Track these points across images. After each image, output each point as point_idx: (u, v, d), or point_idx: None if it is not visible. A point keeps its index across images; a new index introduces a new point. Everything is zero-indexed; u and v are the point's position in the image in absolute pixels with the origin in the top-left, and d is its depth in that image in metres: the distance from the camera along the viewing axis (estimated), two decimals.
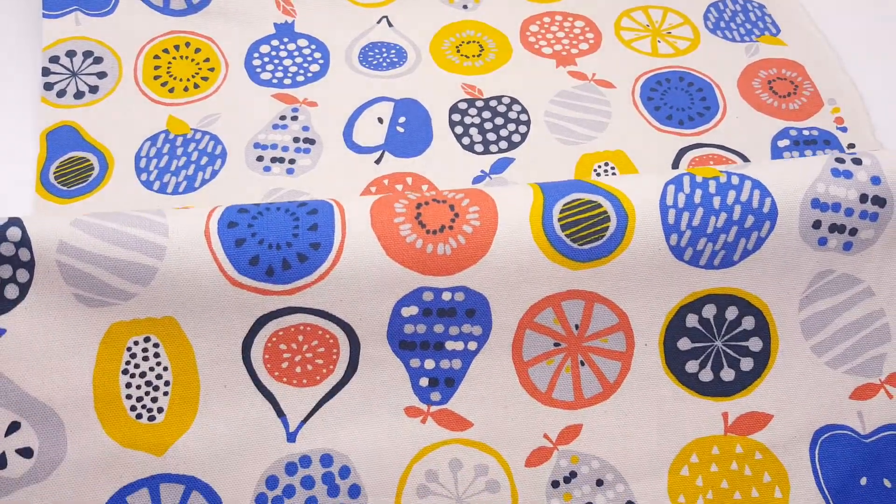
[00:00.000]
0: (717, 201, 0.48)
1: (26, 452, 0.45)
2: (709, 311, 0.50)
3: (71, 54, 0.66)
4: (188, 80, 0.66)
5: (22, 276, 0.44)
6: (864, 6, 0.76)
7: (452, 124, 0.65)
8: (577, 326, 0.49)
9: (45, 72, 0.65)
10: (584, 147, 0.64)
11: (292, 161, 0.62)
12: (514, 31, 0.72)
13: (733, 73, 0.69)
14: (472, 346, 0.49)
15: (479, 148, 0.64)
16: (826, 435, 0.50)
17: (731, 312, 0.50)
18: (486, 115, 0.66)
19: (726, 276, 0.49)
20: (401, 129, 0.65)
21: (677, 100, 0.67)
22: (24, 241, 0.44)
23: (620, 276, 0.48)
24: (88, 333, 0.46)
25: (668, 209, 0.48)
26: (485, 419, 0.50)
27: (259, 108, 0.65)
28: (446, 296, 0.48)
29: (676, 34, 0.72)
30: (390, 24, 0.72)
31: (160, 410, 0.47)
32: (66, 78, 0.65)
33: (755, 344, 0.50)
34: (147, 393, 0.47)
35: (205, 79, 0.66)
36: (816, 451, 0.49)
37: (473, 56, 0.70)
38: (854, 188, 0.48)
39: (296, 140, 0.64)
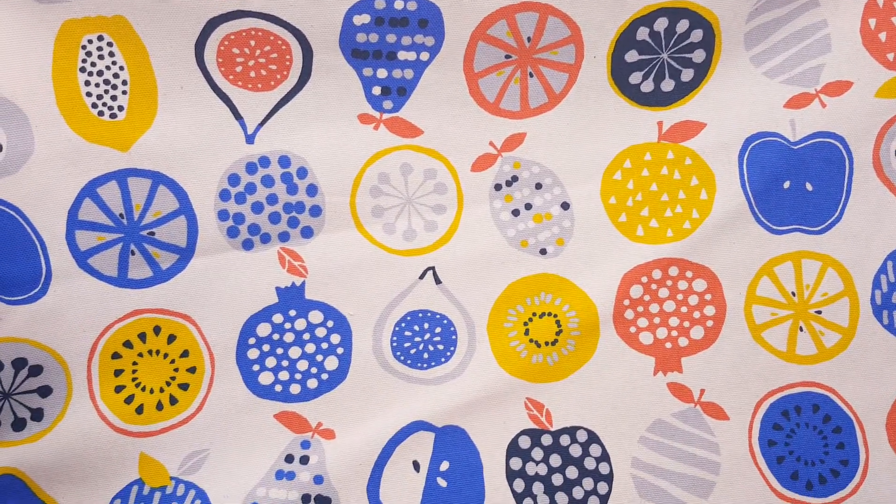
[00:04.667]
0: None
1: None
2: (660, 24, 0.50)
3: None
4: (161, 388, 0.51)
5: None
6: None
7: (511, 475, 0.53)
8: (529, 39, 0.50)
9: None
10: None
11: None
12: (606, 296, 0.53)
13: (884, 401, 0.54)
14: (425, 56, 0.50)
15: None
16: (757, 142, 0.52)
17: (682, 26, 0.50)
18: (555, 461, 0.52)
19: None
20: (442, 483, 0.52)
21: (807, 447, 0.53)
22: None
23: None
24: (42, 29, 0.47)
25: None
26: (434, 127, 0.52)
27: (258, 437, 0.52)
28: (399, 4, 0.48)
29: (828, 316, 0.54)
30: (437, 281, 0.53)
31: (121, 108, 0.49)
32: None
33: (699, 55, 0.51)
34: (106, 91, 0.49)
35: (184, 386, 0.52)
36: (745, 157, 0.53)
37: (547, 344, 0.53)
38: None
39: (305, 499, 0.51)
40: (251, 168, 0.51)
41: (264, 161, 0.51)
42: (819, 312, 0.54)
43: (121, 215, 0.50)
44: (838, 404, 0.54)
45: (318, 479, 0.51)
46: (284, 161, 0.51)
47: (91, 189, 0.49)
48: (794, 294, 0.54)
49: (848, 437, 0.53)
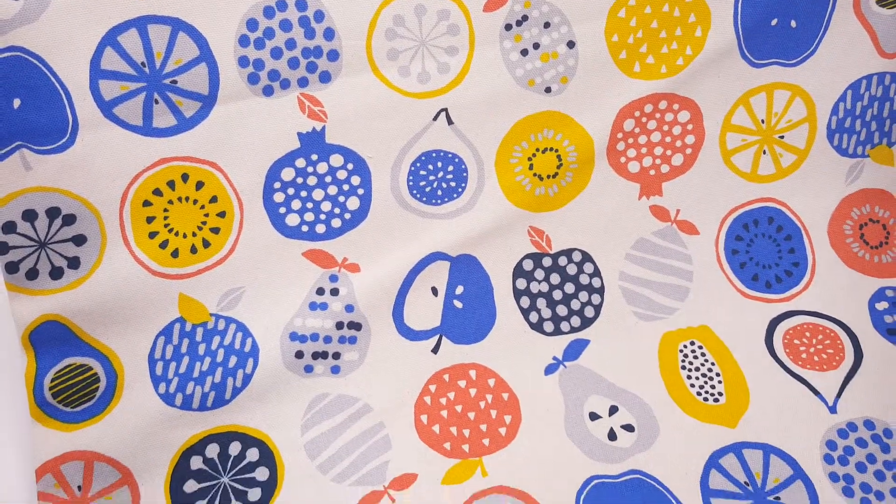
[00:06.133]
0: None
1: None
2: None
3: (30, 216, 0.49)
4: (193, 233, 0.54)
5: None
6: None
7: (517, 294, 0.59)
8: None
9: (2, 247, 0.49)
10: (666, 323, 0.60)
11: (337, 355, 0.56)
12: (602, 130, 0.58)
13: (826, 211, 0.63)
14: None
15: (548, 327, 0.59)
16: None
17: None
18: (555, 279, 0.60)
19: None
20: (458, 304, 0.58)
21: (764, 253, 0.62)
22: None
23: None
24: None
25: None
26: None
27: (289, 273, 0.56)
28: None
29: (789, 140, 0.61)
30: (450, 121, 0.56)
31: None
32: (33, 250, 0.50)
33: None
34: None
35: (215, 230, 0.54)
36: None
37: (548, 177, 0.58)
38: None
39: (339, 326, 0.56)
40: (269, 12, 0.51)
41: (281, 4, 0.51)
42: (782, 137, 0.61)
43: (142, 64, 0.49)
44: (789, 216, 0.63)
45: (349, 308, 0.56)
46: (301, 4, 0.51)
47: (112, 37, 0.48)
48: (763, 122, 0.61)
49: (797, 244, 0.63)
